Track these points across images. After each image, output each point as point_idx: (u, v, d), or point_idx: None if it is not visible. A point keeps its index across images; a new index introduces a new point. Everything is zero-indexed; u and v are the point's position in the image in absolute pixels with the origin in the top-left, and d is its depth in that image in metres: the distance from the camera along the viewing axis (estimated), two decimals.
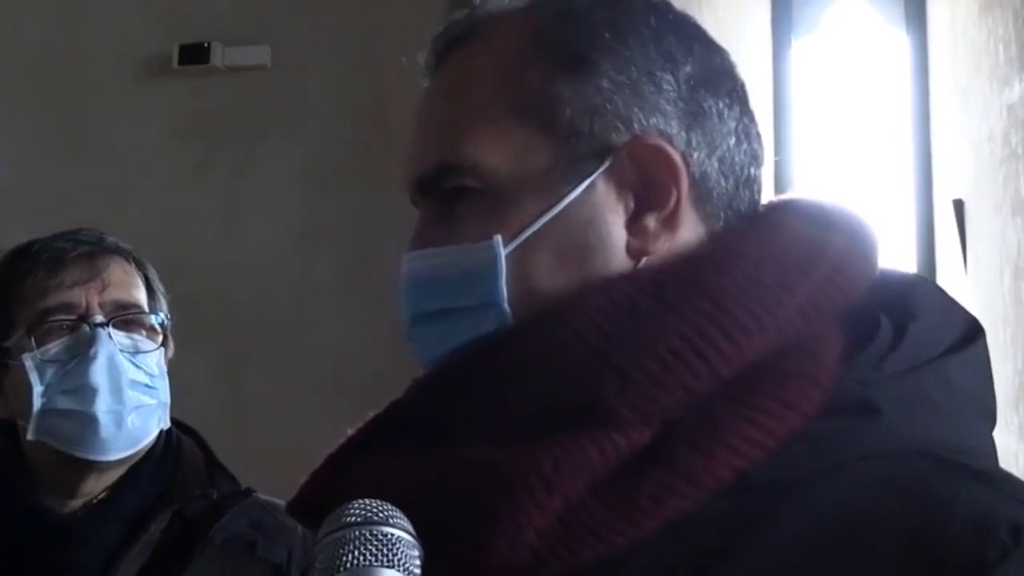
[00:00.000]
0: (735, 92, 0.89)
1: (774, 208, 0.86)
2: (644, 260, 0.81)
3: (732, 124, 0.86)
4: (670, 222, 0.81)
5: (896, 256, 4.84)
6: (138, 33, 3.39)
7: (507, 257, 0.79)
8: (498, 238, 0.79)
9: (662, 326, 0.75)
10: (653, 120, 0.81)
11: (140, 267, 1.66)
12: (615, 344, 0.75)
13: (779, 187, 5.01)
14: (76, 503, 1.55)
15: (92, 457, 1.52)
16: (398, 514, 0.70)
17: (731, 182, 0.85)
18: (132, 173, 3.33)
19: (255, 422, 3.11)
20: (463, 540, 0.72)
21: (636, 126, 0.81)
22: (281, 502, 1.58)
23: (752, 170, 0.87)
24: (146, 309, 1.61)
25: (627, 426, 0.74)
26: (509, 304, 0.79)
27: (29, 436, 1.52)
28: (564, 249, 0.80)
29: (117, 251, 1.63)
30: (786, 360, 0.76)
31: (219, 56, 3.30)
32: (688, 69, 0.85)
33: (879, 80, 5.11)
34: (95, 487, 1.55)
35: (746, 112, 0.89)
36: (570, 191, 0.80)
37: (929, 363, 0.78)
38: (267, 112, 3.28)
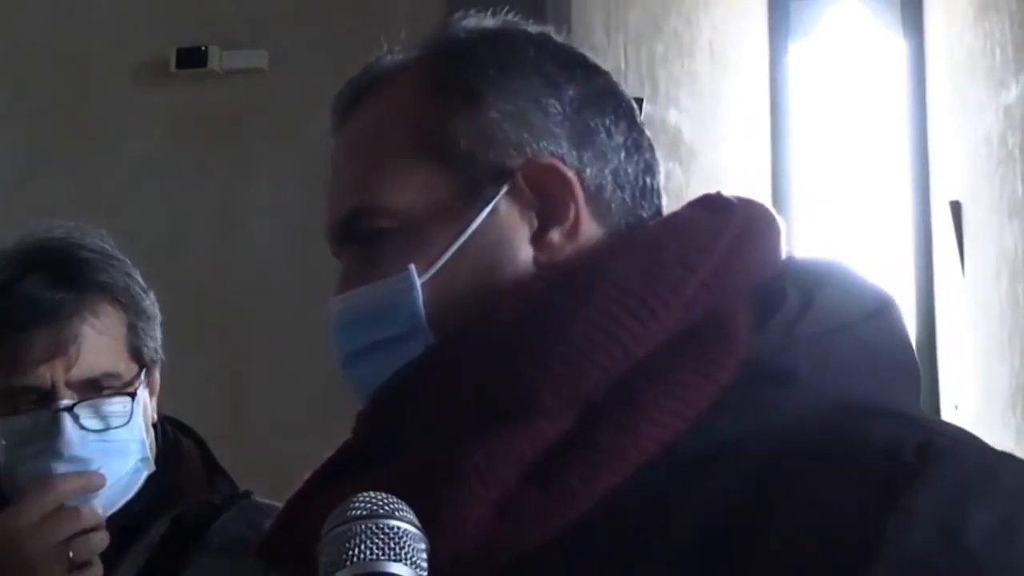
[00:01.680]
0: (620, 109, 0.92)
1: (682, 207, 0.91)
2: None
3: (620, 139, 0.90)
4: (572, 233, 0.86)
5: (894, 259, 4.85)
6: (136, 36, 3.39)
7: (424, 285, 0.84)
8: (412, 267, 0.84)
9: (573, 315, 0.79)
10: (543, 143, 0.86)
11: (125, 306, 1.49)
12: (531, 337, 0.79)
13: (776, 191, 5.02)
14: None
15: None
16: (404, 507, 0.70)
17: (627, 192, 0.89)
18: (130, 176, 3.33)
19: (254, 423, 3.12)
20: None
21: (528, 150, 0.86)
22: (280, 504, 1.57)
23: (648, 179, 0.91)
24: (122, 371, 1.46)
25: (552, 413, 0.78)
26: (431, 327, 0.84)
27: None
28: (476, 270, 0.85)
29: (95, 297, 1.45)
30: (697, 334, 0.79)
31: (217, 59, 3.30)
32: (571, 92, 0.89)
33: (876, 84, 5.12)
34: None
35: (634, 127, 0.92)
36: (475, 216, 0.85)
37: (843, 328, 0.80)
38: (265, 115, 3.29)
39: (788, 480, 0.73)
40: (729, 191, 0.91)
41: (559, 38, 0.93)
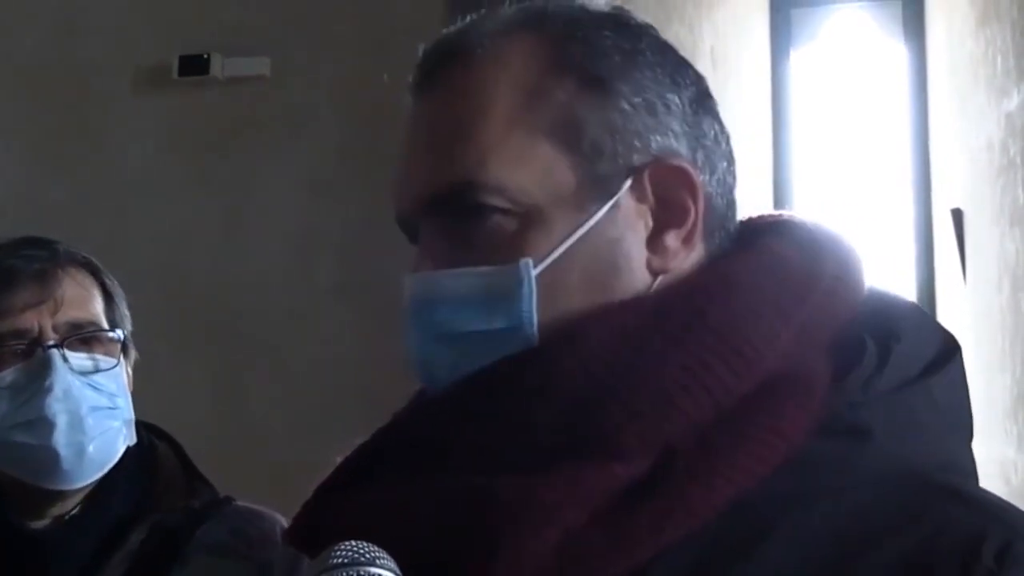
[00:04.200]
0: (719, 114, 0.89)
1: (764, 231, 0.87)
2: (660, 278, 0.82)
3: (723, 146, 0.88)
4: (688, 240, 0.82)
5: (895, 266, 4.84)
6: (138, 44, 3.40)
7: (535, 279, 0.78)
8: (528, 260, 0.78)
9: (666, 358, 0.76)
10: (667, 141, 0.82)
11: (96, 275, 1.55)
12: (619, 376, 0.75)
13: (778, 197, 5.02)
14: (47, 520, 1.48)
15: (56, 488, 1.45)
16: (384, 555, 0.70)
17: (724, 203, 0.86)
18: (133, 183, 3.34)
19: (255, 432, 3.11)
20: (461, 570, 0.72)
21: (654, 147, 0.82)
22: (263, 510, 1.55)
23: (735, 191, 0.89)
24: (104, 324, 1.51)
25: (629, 456, 0.74)
26: (537, 327, 0.78)
27: None
28: (591, 269, 0.80)
29: (71, 262, 1.52)
30: (780, 388, 0.77)
31: (219, 67, 3.30)
32: (689, 92, 0.85)
33: (878, 90, 5.12)
34: (66, 506, 1.48)
35: (727, 134, 0.89)
36: (597, 210, 0.80)
37: (913, 382, 0.79)
38: (267, 123, 3.29)
39: (861, 551, 0.72)
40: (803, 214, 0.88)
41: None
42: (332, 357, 3.01)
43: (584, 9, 0.85)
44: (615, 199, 0.81)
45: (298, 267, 3.16)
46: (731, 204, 0.87)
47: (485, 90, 0.82)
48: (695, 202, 0.82)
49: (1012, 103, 3.56)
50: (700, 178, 0.83)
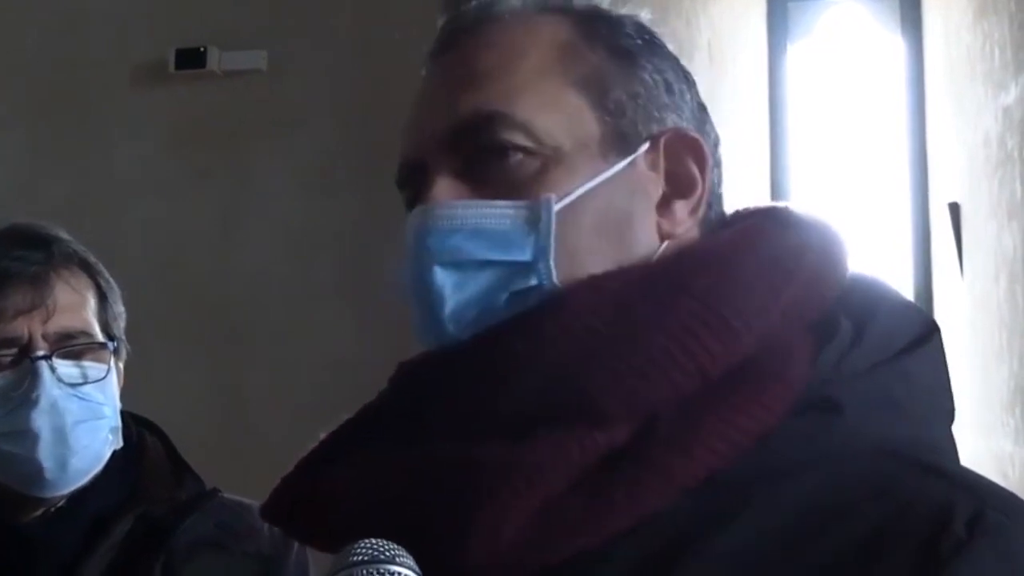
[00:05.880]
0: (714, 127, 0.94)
1: (753, 214, 0.90)
2: (666, 244, 0.84)
3: (718, 149, 0.91)
4: (695, 212, 0.86)
5: (892, 260, 4.85)
6: (135, 38, 3.39)
7: (555, 216, 0.80)
8: (551, 196, 0.80)
9: (653, 325, 0.76)
10: (681, 122, 0.87)
11: (91, 273, 1.52)
12: (605, 342, 0.76)
13: (775, 191, 5.02)
14: (33, 514, 1.47)
15: (40, 495, 1.44)
16: (403, 553, 0.70)
17: (717, 196, 0.90)
18: (129, 177, 3.33)
19: (254, 427, 3.11)
20: (443, 539, 0.73)
21: (669, 121, 0.86)
22: (249, 501, 1.52)
23: (722, 192, 0.92)
24: (96, 330, 1.49)
25: (611, 423, 0.75)
26: (554, 264, 0.79)
27: None
28: (607, 217, 0.82)
29: (65, 263, 1.49)
30: (764, 361, 0.78)
31: (216, 60, 3.30)
32: (695, 90, 0.91)
33: (875, 84, 5.12)
34: (51, 501, 1.47)
35: (719, 140, 0.94)
36: (618, 162, 0.83)
37: (889, 361, 0.80)
38: (264, 116, 3.28)
39: (831, 523, 0.72)
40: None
41: None
42: (331, 351, 3.00)
43: (609, 9, 0.90)
44: (634, 156, 0.84)
45: (295, 261, 3.16)
46: (719, 200, 0.91)
47: (516, 45, 0.84)
48: (703, 176, 0.86)
49: (1010, 97, 3.56)
50: (710, 159, 0.87)
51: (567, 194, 0.81)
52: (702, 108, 0.91)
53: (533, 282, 0.80)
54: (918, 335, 0.82)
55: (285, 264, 3.17)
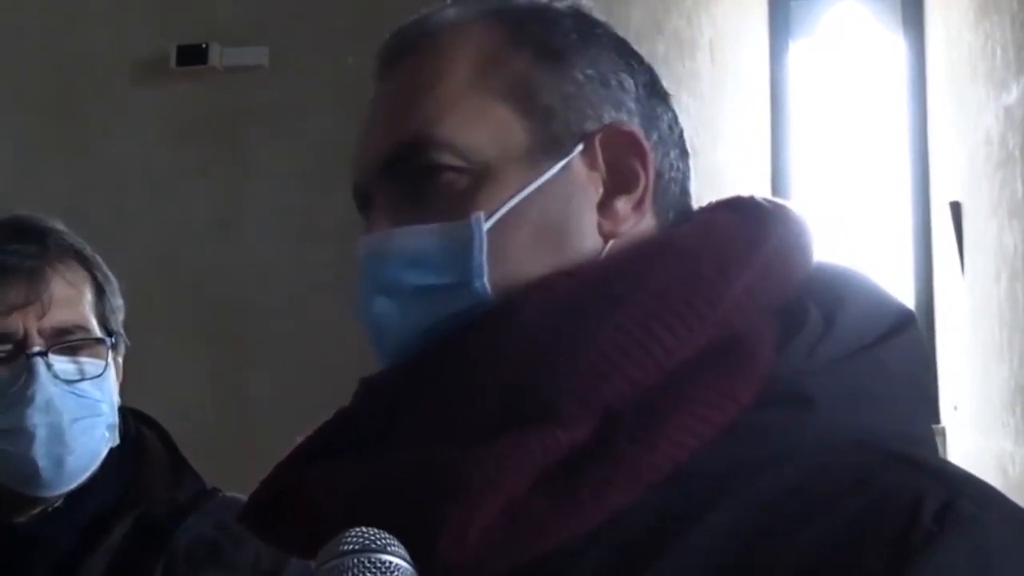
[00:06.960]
0: (672, 106, 0.92)
1: (716, 207, 0.89)
2: (611, 243, 0.84)
3: (676, 136, 0.90)
4: (639, 207, 0.85)
5: (893, 259, 4.85)
6: (136, 34, 3.39)
7: (486, 233, 0.80)
8: (480, 214, 0.80)
9: (605, 321, 0.76)
10: (620, 115, 0.85)
11: (88, 267, 1.50)
12: (560, 341, 0.76)
13: (776, 190, 5.02)
14: (29, 513, 1.46)
15: (36, 494, 1.43)
16: (394, 542, 0.70)
17: (678, 189, 0.89)
18: (130, 173, 3.33)
19: (254, 423, 3.11)
20: (409, 544, 0.72)
21: (606, 117, 0.85)
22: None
23: (688, 183, 0.91)
24: (93, 325, 1.47)
25: (571, 421, 0.75)
26: (489, 282, 0.80)
27: None
28: (542, 227, 0.82)
29: (62, 257, 1.47)
30: (724, 351, 0.77)
31: (217, 57, 3.30)
32: (643, 77, 0.89)
33: (876, 84, 5.12)
34: (49, 500, 1.45)
35: (681, 128, 0.92)
36: (549, 169, 0.82)
37: (863, 350, 0.79)
38: (265, 112, 3.29)
39: (808, 517, 0.71)
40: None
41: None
42: (331, 346, 3.00)
43: (546, 3, 0.89)
44: (567, 160, 0.83)
45: (296, 256, 3.16)
46: (685, 192, 0.89)
47: (443, 62, 0.85)
48: (645, 169, 0.85)
49: (1011, 96, 3.56)
50: (650, 151, 0.85)
51: (497, 209, 0.80)
52: (653, 92, 0.89)
53: (471, 303, 0.80)
54: (893, 324, 0.81)
55: (285, 258, 3.17)
